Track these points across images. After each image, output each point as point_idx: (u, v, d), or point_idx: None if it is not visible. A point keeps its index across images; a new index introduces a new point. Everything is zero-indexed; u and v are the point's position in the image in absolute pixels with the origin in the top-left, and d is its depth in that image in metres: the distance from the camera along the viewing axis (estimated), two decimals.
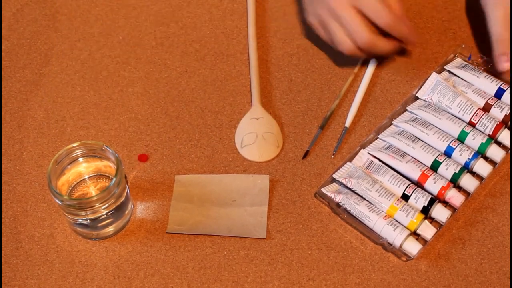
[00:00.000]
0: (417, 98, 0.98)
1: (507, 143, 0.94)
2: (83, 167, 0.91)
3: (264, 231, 0.90)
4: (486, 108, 0.96)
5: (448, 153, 0.93)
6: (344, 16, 0.94)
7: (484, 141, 0.93)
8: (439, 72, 1.00)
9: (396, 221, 0.88)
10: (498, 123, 0.94)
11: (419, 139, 0.94)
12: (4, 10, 1.11)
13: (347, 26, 0.95)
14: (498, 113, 0.95)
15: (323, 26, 0.98)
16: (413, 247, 0.87)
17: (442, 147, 0.93)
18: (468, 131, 0.94)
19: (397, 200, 0.89)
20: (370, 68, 1.02)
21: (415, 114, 0.97)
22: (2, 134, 0.99)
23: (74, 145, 0.88)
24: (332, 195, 0.91)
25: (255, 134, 0.98)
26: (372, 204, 0.90)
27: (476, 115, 0.95)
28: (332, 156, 0.96)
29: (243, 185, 0.94)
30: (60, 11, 1.10)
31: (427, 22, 1.07)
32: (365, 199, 0.90)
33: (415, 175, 0.91)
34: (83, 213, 0.86)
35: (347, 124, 0.98)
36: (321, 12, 0.97)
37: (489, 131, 0.94)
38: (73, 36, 1.08)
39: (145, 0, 1.11)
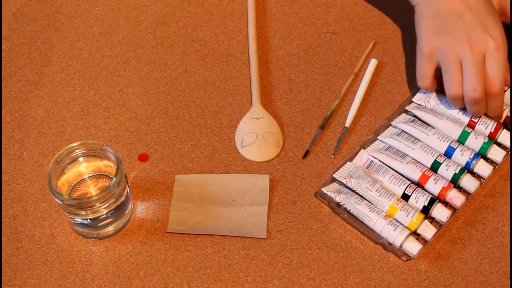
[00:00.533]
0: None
1: (507, 144, 0.94)
2: (83, 167, 0.91)
3: (264, 231, 0.90)
4: None
5: (448, 154, 0.93)
6: (475, 66, 0.89)
7: (486, 141, 0.93)
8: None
9: (396, 221, 0.88)
10: (498, 123, 0.94)
11: (419, 140, 0.94)
12: (4, 9, 1.11)
13: (469, 74, 0.90)
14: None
15: (440, 61, 0.92)
16: (413, 247, 0.87)
17: (443, 147, 0.93)
18: (469, 131, 0.93)
19: (397, 200, 0.89)
20: (371, 68, 1.02)
21: (415, 114, 0.97)
22: (2, 133, 0.99)
23: (74, 144, 0.88)
24: (332, 195, 0.91)
25: (255, 134, 0.98)
26: (372, 204, 0.90)
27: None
28: (332, 156, 0.96)
29: (243, 185, 0.94)
30: (60, 11, 1.11)
31: None
32: (365, 199, 0.90)
33: (416, 176, 0.91)
34: (83, 212, 0.86)
35: (347, 124, 0.98)
36: (449, 49, 0.91)
37: (490, 128, 0.94)
38: (73, 36, 1.08)
39: (145, 0, 1.11)
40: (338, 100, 1.00)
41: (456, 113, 0.95)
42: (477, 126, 0.94)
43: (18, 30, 1.09)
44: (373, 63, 1.03)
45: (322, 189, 0.92)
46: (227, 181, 0.94)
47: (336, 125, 0.99)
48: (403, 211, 0.88)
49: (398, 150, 0.94)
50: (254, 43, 1.05)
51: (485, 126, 0.94)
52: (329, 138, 0.98)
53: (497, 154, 0.93)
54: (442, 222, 0.89)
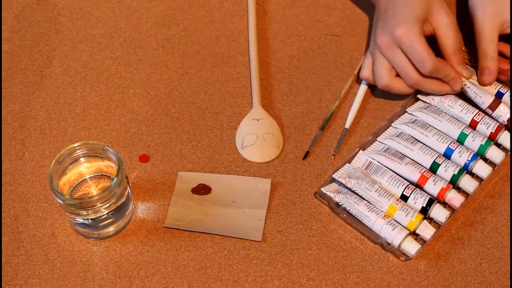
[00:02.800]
0: (417, 99, 0.99)
1: (507, 145, 0.94)
2: (85, 167, 0.91)
3: (260, 234, 0.90)
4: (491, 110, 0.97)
5: (447, 155, 0.93)
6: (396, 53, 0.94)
7: (483, 143, 0.93)
8: None
9: (395, 221, 0.89)
10: (499, 124, 0.95)
11: (418, 141, 0.95)
12: (6, 11, 1.11)
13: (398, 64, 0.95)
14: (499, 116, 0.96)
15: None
16: (411, 247, 0.87)
17: (442, 148, 0.94)
18: (467, 133, 0.94)
19: (397, 200, 0.90)
20: None
21: (414, 116, 0.97)
22: (4, 134, 0.99)
23: (75, 145, 0.89)
24: (332, 195, 0.91)
25: (255, 135, 0.98)
26: (371, 204, 0.90)
27: (478, 114, 0.95)
28: (332, 157, 0.96)
29: (244, 186, 0.94)
30: (62, 13, 1.11)
31: None
32: (365, 199, 0.90)
33: (415, 177, 0.91)
34: (84, 212, 0.87)
35: (347, 125, 0.98)
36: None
37: (491, 129, 0.94)
38: (74, 38, 1.09)
39: (146, 2, 1.12)
40: (338, 102, 1.00)
41: (459, 111, 0.96)
42: (479, 126, 0.95)
43: (20, 32, 1.09)
44: None
45: (322, 189, 0.92)
46: (228, 181, 0.95)
47: (336, 127, 0.99)
48: (403, 211, 0.89)
49: (397, 151, 0.94)
50: (254, 45, 1.06)
51: (487, 126, 0.95)
52: (329, 139, 0.98)
53: (495, 155, 0.93)
54: (441, 222, 0.89)
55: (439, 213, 0.89)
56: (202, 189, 0.93)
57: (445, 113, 0.96)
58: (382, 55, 0.95)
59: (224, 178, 0.95)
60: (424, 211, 0.89)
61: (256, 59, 1.04)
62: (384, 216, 0.89)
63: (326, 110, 1.00)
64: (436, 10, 0.94)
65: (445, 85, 0.95)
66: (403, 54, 0.93)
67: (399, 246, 0.87)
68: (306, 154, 0.97)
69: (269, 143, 0.97)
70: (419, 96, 0.98)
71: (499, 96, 0.97)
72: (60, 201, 0.86)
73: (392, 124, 0.97)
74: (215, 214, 0.92)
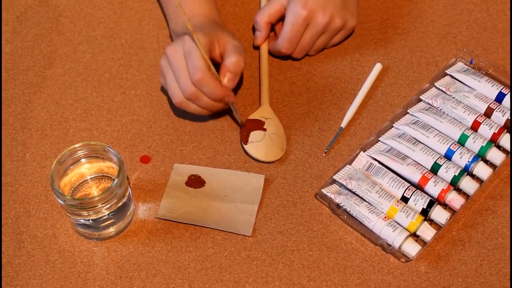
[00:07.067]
0: (419, 100, 0.99)
1: (508, 147, 0.94)
2: (86, 168, 0.92)
3: (250, 229, 0.91)
4: (488, 113, 0.96)
5: (448, 156, 0.93)
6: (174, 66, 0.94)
7: (484, 144, 0.93)
8: (441, 77, 1.00)
9: (396, 222, 0.89)
10: (501, 126, 0.95)
11: (420, 142, 0.95)
12: (8, 13, 1.12)
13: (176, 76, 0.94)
14: (500, 117, 0.96)
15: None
16: (412, 248, 0.87)
17: (443, 150, 0.94)
18: (468, 134, 0.94)
19: (397, 201, 0.90)
20: (374, 72, 1.02)
21: (416, 117, 0.97)
22: (6, 135, 0.99)
23: (77, 145, 0.89)
24: (333, 196, 0.91)
25: (263, 133, 0.98)
26: (372, 205, 0.90)
27: (481, 116, 0.95)
28: (324, 154, 0.96)
29: (238, 181, 0.94)
30: (63, 14, 1.11)
31: (427, 26, 1.08)
32: (365, 200, 0.91)
33: (416, 178, 0.92)
34: (85, 213, 0.87)
35: (343, 124, 0.98)
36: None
37: (494, 129, 0.94)
38: (76, 39, 1.09)
39: (148, 3, 1.12)
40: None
41: (462, 112, 0.96)
42: (481, 127, 0.95)
43: (22, 33, 1.09)
44: (377, 67, 1.03)
45: (322, 190, 0.92)
46: (223, 175, 0.95)
47: (337, 128, 0.99)
48: (403, 212, 0.89)
49: (399, 152, 0.94)
50: (265, 46, 1.06)
51: (490, 127, 0.95)
52: (329, 141, 0.98)
53: (496, 157, 0.93)
54: (441, 224, 0.89)
55: (439, 214, 0.89)
56: (196, 183, 0.94)
57: (447, 114, 0.97)
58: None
59: (218, 172, 0.95)
60: (425, 212, 0.89)
61: (266, 59, 1.04)
62: (385, 217, 0.89)
63: (327, 112, 1.00)
64: (225, 35, 0.95)
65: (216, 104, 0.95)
66: (184, 61, 0.92)
67: (400, 247, 0.87)
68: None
69: (275, 143, 0.97)
70: (421, 97, 0.99)
71: (500, 97, 0.97)
72: (61, 202, 0.86)
73: (394, 124, 0.97)
74: (208, 207, 0.92)
